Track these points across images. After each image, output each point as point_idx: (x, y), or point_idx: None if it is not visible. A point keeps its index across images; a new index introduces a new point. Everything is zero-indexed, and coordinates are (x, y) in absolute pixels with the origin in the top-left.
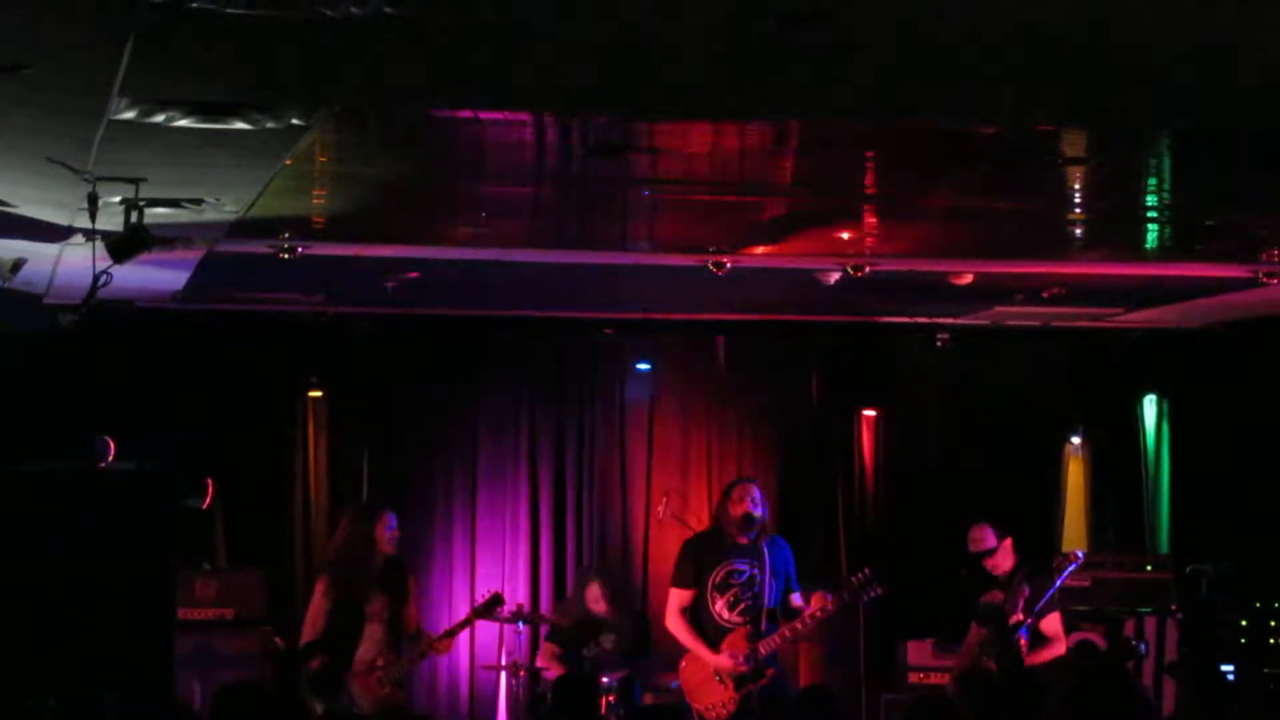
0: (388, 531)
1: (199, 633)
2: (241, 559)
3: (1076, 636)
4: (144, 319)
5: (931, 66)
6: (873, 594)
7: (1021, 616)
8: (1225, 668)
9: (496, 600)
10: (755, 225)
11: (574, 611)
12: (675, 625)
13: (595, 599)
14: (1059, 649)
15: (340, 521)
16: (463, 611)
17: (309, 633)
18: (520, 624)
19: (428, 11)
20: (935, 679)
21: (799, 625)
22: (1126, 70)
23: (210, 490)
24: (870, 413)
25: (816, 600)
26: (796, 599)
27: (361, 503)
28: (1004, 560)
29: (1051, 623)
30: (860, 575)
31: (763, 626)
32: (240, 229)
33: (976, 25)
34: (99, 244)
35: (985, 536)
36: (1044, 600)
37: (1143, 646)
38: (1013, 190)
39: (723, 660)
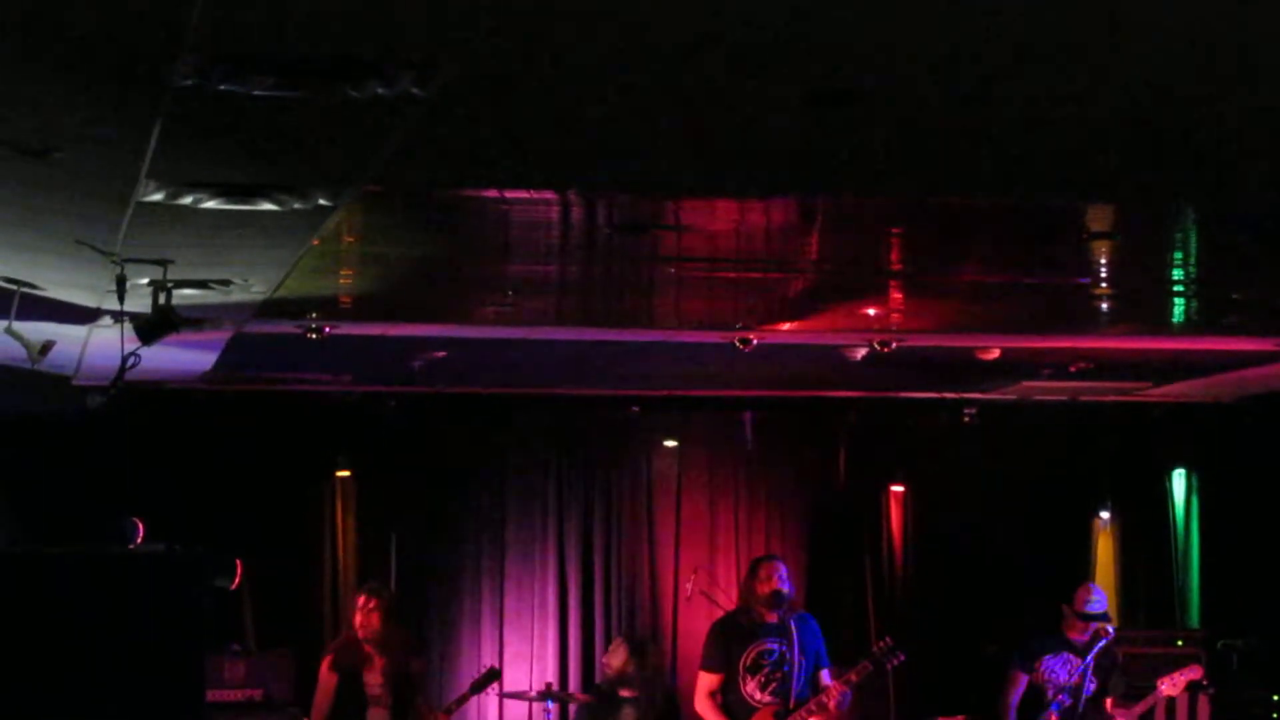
0: None
1: (228, 714)
2: (270, 640)
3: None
4: (172, 400)
5: (956, 143)
6: (895, 662)
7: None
8: None
9: (493, 675)
10: (782, 301)
11: (600, 685)
12: (703, 708)
13: (615, 650)
14: None
15: (380, 606)
16: (492, 691)
17: (318, 714)
18: (549, 702)
19: (454, 94)
20: None
21: (825, 699)
22: (1154, 147)
23: (239, 571)
24: (898, 489)
25: (838, 683)
26: (826, 676)
27: (392, 590)
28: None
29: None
30: (881, 644)
31: (791, 703)
32: (268, 309)
33: (1002, 102)
34: (127, 325)
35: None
36: (1090, 674)
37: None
38: (1039, 265)
39: None
